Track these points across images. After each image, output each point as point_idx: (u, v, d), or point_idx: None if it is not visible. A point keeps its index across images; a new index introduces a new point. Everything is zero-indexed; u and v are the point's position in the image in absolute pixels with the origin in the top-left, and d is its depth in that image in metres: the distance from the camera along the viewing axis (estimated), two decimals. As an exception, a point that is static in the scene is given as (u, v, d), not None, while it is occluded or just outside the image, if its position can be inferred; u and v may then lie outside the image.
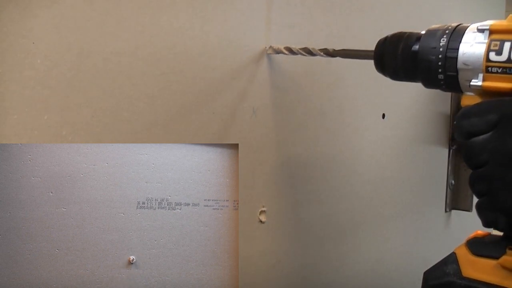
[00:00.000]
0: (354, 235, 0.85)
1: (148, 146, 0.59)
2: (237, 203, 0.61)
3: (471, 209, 1.13)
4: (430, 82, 0.47)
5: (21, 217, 0.54)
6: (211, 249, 0.61)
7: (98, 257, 0.56)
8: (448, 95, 1.12)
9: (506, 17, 0.42)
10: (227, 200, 0.62)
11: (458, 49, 0.43)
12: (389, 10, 0.87)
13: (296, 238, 0.72)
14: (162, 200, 0.59)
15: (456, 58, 0.43)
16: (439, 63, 0.44)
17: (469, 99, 0.43)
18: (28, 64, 0.42)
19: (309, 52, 0.60)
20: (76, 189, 0.56)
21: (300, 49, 0.60)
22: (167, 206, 0.60)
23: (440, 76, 0.45)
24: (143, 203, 0.59)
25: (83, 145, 0.56)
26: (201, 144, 0.60)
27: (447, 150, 1.13)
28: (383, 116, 0.89)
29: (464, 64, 0.43)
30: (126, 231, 0.58)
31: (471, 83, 0.42)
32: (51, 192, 0.56)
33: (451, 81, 0.44)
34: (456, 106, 1.14)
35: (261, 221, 0.65)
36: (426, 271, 0.45)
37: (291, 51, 0.61)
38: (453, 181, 1.15)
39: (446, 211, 1.15)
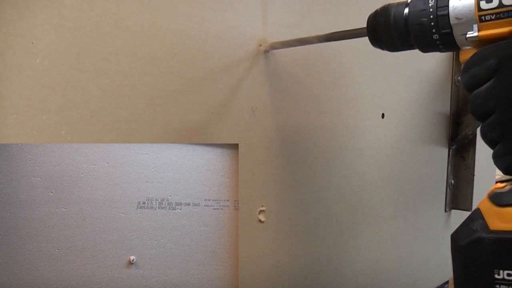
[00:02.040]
0: (354, 235, 0.85)
1: (148, 146, 0.59)
2: (237, 203, 0.61)
3: (471, 209, 1.13)
4: (426, 45, 0.47)
5: (21, 217, 0.54)
6: (211, 249, 0.61)
7: (98, 257, 0.56)
8: (447, 95, 1.12)
9: None
10: (227, 200, 0.62)
11: (448, 5, 0.44)
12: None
13: (296, 238, 0.72)
14: (163, 200, 0.59)
15: (448, 14, 0.44)
16: (432, 23, 0.45)
17: (467, 53, 0.44)
18: (27, 64, 0.42)
19: (302, 41, 0.60)
20: (76, 189, 0.56)
21: (294, 40, 0.61)
22: (168, 206, 0.60)
23: (435, 36, 0.45)
24: (144, 203, 0.59)
25: (83, 145, 0.57)
26: (201, 144, 0.60)
27: (447, 150, 1.13)
28: (383, 116, 0.89)
29: (457, 18, 0.43)
30: (126, 231, 0.58)
31: (467, 36, 0.43)
32: (51, 192, 0.56)
33: (446, 38, 0.45)
34: (456, 106, 1.14)
35: (260, 221, 0.65)
36: (453, 233, 0.43)
37: (285, 44, 0.62)
38: (453, 181, 1.15)
39: (446, 211, 1.15)
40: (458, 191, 1.16)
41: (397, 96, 0.93)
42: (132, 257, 0.58)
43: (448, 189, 1.14)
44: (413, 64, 0.96)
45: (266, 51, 0.64)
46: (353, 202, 0.83)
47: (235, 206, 0.62)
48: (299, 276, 0.73)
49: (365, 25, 0.52)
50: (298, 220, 0.72)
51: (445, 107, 1.12)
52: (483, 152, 1.18)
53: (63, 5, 0.44)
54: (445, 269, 1.12)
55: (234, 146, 0.61)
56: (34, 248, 0.55)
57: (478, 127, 1.11)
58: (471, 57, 0.42)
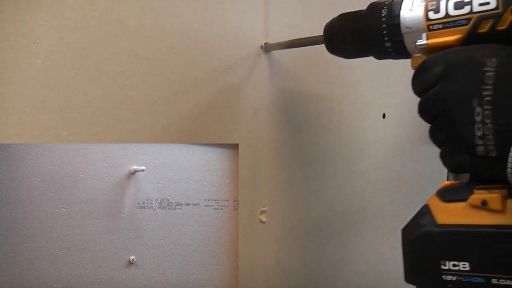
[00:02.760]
0: (354, 235, 0.85)
1: (148, 146, 0.59)
2: (237, 203, 0.61)
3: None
4: (379, 52, 0.50)
5: (21, 217, 0.54)
6: (211, 249, 0.61)
7: (98, 257, 0.56)
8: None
9: None
10: (227, 200, 0.62)
11: (399, 15, 0.46)
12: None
13: (296, 238, 0.72)
14: (162, 200, 0.59)
15: (399, 24, 0.46)
16: (384, 32, 0.48)
17: (418, 60, 0.45)
18: (29, 64, 0.42)
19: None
20: (76, 189, 0.56)
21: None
22: (167, 206, 0.60)
23: (387, 44, 0.48)
24: (143, 203, 0.59)
25: (83, 145, 0.56)
26: (201, 144, 0.60)
27: (447, 150, 1.13)
28: (384, 116, 0.89)
29: (407, 27, 0.46)
30: (126, 231, 0.58)
31: (417, 44, 0.45)
32: (51, 192, 0.56)
33: (398, 46, 0.48)
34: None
35: (261, 221, 0.65)
36: (403, 227, 0.46)
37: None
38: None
39: (446, 211, 1.15)
40: (458, 191, 1.16)
41: (398, 96, 0.93)
42: (132, 257, 0.58)
43: (448, 189, 1.14)
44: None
45: (267, 52, 0.64)
46: (354, 202, 0.83)
47: (235, 206, 0.61)
48: (299, 276, 0.73)
49: None
50: (299, 220, 0.72)
51: (445, 107, 1.12)
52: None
53: (65, 6, 0.44)
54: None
55: (234, 146, 0.61)
56: (34, 248, 0.55)
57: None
58: (420, 64, 0.44)
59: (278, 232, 0.68)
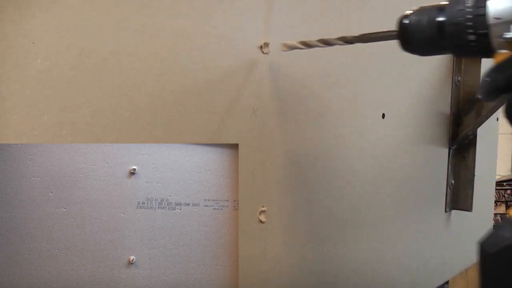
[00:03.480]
0: (354, 235, 0.84)
1: (148, 146, 0.59)
2: (237, 203, 0.61)
3: (471, 209, 1.13)
4: (461, 47, 0.46)
5: (21, 217, 0.54)
6: (211, 249, 0.61)
7: (98, 257, 0.56)
8: (448, 94, 1.12)
9: None
10: (227, 200, 0.62)
11: (486, 5, 0.43)
12: (388, 9, 0.87)
13: (296, 238, 0.72)
14: (162, 200, 0.59)
15: (486, 14, 0.43)
16: (468, 23, 0.44)
17: (502, 57, 0.43)
18: (28, 64, 0.42)
19: (326, 42, 0.59)
20: (76, 189, 0.56)
21: (317, 41, 0.60)
22: (167, 206, 0.60)
23: (471, 37, 0.44)
24: (143, 203, 0.59)
25: (83, 145, 0.56)
26: (201, 144, 0.60)
27: (447, 150, 1.13)
28: (383, 116, 0.89)
29: (496, 18, 0.42)
30: (126, 231, 0.58)
31: (506, 36, 0.42)
32: (51, 192, 0.56)
33: (482, 40, 0.44)
34: (456, 106, 1.14)
35: (261, 221, 0.65)
36: (481, 241, 0.42)
37: (306, 44, 0.61)
38: (453, 181, 1.15)
39: (446, 211, 1.15)
40: (458, 191, 1.16)
41: (397, 96, 0.93)
42: (132, 257, 0.58)
43: (448, 189, 1.14)
44: (413, 64, 0.96)
45: (266, 53, 0.64)
46: (353, 202, 0.83)
47: (235, 206, 0.61)
48: (299, 276, 0.73)
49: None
50: (299, 220, 0.72)
51: (445, 107, 1.12)
52: (483, 152, 1.18)
53: (64, 5, 0.44)
54: (445, 269, 1.12)
55: (234, 146, 0.61)
56: (34, 248, 0.55)
57: (478, 127, 1.11)
58: (508, 58, 0.41)
59: (278, 232, 0.68)
